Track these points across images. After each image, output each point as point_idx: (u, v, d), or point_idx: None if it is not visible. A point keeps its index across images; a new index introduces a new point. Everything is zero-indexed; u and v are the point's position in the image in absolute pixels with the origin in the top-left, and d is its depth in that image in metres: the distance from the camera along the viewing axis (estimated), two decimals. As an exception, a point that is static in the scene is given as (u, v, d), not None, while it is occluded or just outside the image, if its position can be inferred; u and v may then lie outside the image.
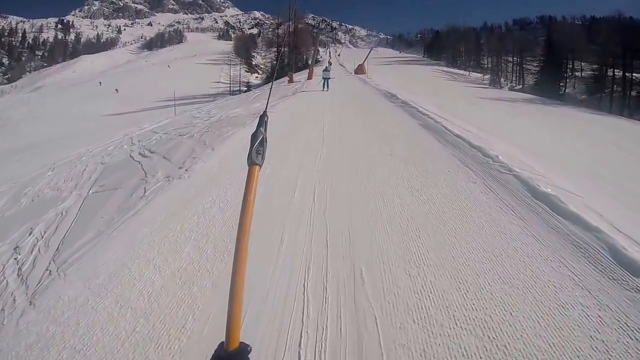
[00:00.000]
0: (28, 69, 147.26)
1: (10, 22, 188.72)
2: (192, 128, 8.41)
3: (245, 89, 49.43)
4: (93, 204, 4.05)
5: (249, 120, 7.91)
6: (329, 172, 4.09)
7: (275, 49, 53.68)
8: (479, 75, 55.68)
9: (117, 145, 8.22)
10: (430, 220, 2.77)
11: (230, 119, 8.79)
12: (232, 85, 54.56)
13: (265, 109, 0.98)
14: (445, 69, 57.14)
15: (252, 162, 0.82)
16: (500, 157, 4.08)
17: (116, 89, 52.52)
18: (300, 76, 25.40)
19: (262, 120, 0.91)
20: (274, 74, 23.00)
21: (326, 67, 16.97)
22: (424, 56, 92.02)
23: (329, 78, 15.37)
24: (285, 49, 51.23)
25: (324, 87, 15.01)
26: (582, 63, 45.27)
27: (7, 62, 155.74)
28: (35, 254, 3.00)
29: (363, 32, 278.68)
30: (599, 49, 38.64)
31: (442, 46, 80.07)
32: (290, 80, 21.47)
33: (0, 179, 8.64)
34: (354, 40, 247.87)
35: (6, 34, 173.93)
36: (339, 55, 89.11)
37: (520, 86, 49.03)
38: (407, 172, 3.96)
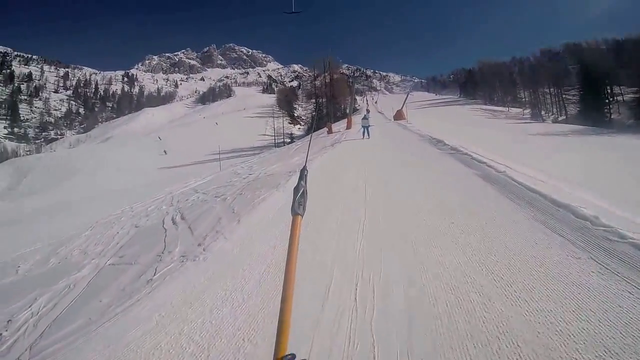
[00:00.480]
0: (100, 120, 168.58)
1: (85, 73, 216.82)
2: (229, 188, 8.35)
3: (289, 140, 51.29)
4: (102, 279, 3.88)
5: (283, 179, 7.61)
6: (374, 258, 3.14)
7: (314, 100, 56.13)
8: (519, 110, 53.63)
9: (157, 206, 8.44)
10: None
11: (266, 178, 8.59)
12: (276, 137, 57.04)
13: (305, 164, 1.15)
14: (483, 107, 55.94)
15: (295, 213, 0.96)
16: (600, 219, 3.22)
17: (159, 137, 57.46)
18: (339, 126, 25.74)
19: (303, 174, 1.07)
20: (312, 127, 23.44)
21: (365, 115, 17.17)
22: (460, 96, 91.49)
23: (369, 126, 15.57)
24: (323, 100, 53.33)
25: (364, 135, 15.12)
26: (621, 87, 42.59)
27: (83, 112, 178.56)
28: (20, 334, 2.77)
29: (397, 78, 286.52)
30: (633, 71, 36.27)
31: (477, 84, 79.45)
32: (330, 131, 21.71)
33: (50, 232, 9.89)
34: (389, 86, 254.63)
35: (82, 84, 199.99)
36: (375, 102, 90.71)
37: (564, 117, 46.27)
38: (479, 253, 2.92)
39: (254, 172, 10.81)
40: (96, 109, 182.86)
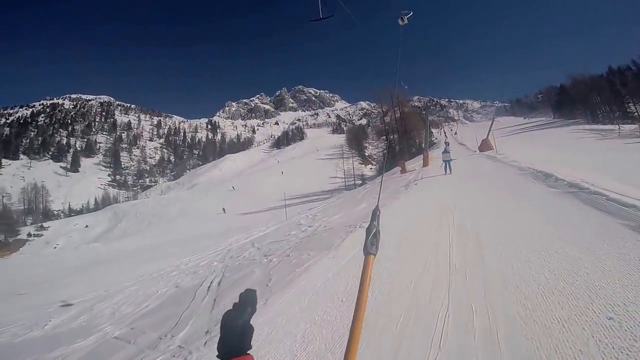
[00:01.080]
0: (188, 167, 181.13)
1: (175, 121, 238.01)
2: (283, 244, 7.78)
3: (360, 182, 50.01)
4: (93, 357, 4.00)
5: (339, 238, 6.39)
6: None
7: (384, 137, 54.18)
8: (633, 126, 44.15)
9: (210, 260, 8.70)
10: None
11: (322, 234, 7.48)
12: (347, 179, 56.22)
13: (377, 204, 1.19)
14: (586, 127, 47.56)
15: (367, 252, 0.99)
16: None
17: (232, 186, 60.94)
18: (414, 163, 23.74)
19: (375, 214, 1.11)
20: (383, 166, 21.75)
21: (445, 148, 16.23)
22: (553, 117, 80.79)
23: (450, 160, 14.58)
24: (395, 136, 51.23)
25: (446, 170, 14.17)
26: None
27: (173, 159, 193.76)
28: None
29: (477, 105, 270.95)
30: None
31: (573, 101, 69.02)
32: (403, 170, 19.84)
33: (114, 279, 10.48)
34: (468, 114, 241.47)
35: (172, 133, 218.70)
36: (455, 133, 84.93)
37: None
38: None
39: (315, 223, 9.95)
40: (184, 157, 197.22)
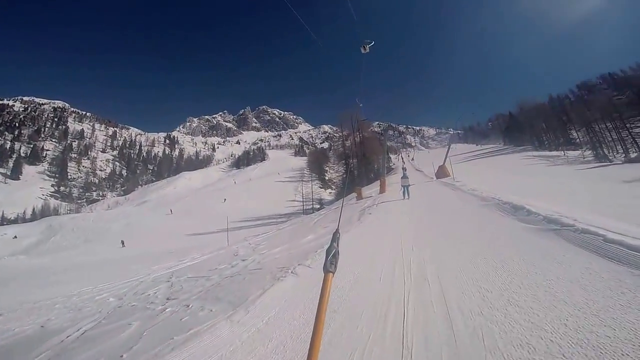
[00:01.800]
0: (140, 182, 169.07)
1: (131, 133, 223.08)
2: (198, 283, 6.24)
3: (318, 206, 48.59)
4: None
5: (259, 288, 4.64)
6: None
7: (349, 161, 53.45)
8: (576, 152, 47.36)
9: (106, 296, 7.43)
10: None
11: (247, 276, 5.95)
12: (305, 202, 54.53)
13: (338, 227, 1.34)
14: (534, 153, 50.36)
15: (327, 270, 1.12)
16: None
17: (171, 210, 57.71)
18: (371, 189, 22.68)
19: (335, 236, 1.25)
20: (344, 192, 20.36)
21: (403, 174, 16.71)
22: (504, 144, 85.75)
23: (409, 185, 14.90)
24: (354, 161, 50.86)
25: (404, 195, 14.35)
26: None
27: (125, 173, 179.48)
28: None
29: (432, 132, 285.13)
30: None
31: (521, 128, 73.44)
32: (359, 197, 18.52)
33: (43, 296, 9.31)
34: (424, 141, 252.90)
35: (127, 145, 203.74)
36: (412, 159, 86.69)
37: (635, 154, 39.16)
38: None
39: (251, 255, 8.34)
40: (138, 171, 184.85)
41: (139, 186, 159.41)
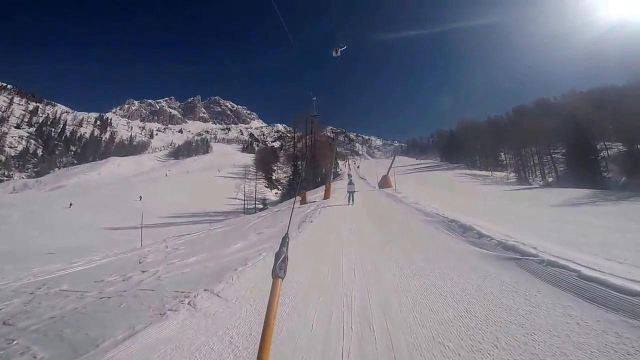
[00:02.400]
0: (58, 164, 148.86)
1: (57, 111, 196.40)
2: (70, 301, 4.45)
3: (261, 206, 46.77)
4: None
5: (122, 329, 3.11)
6: None
7: (298, 163, 52.00)
8: (502, 173, 51.77)
9: None
10: None
11: (130, 297, 4.14)
12: (247, 201, 52.13)
13: (287, 231, 1.32)
14: (467, 171, 54.09)
15: (275, 275, 1.10)
16: None
17: (140, 197, 51.83)
18: (316, 194, 21.91)
19: (285, 241, 1.24)
20: (295, 195, 19.04)
21: (350, 180, 17.25)
22: (441, 160, 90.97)
23: (354, 191, 15.29)
24: (303, 163, 50.00)
25: (349, 201, 14.78)
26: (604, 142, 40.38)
27: (41, 153, 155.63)
28: None
29: (379, 142, 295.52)
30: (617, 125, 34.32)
31: (459, 147, 78.29)
32: (303, 201, 17.58)
33: None
34: (370, 150, 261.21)
35: (49, 123, 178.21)
36: (358, 167, 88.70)
37: (552, 179, 43.74)
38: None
39: (156, 266, 6.65)
40: (57, 152, 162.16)
41: (56, 169, 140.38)
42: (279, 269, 1.10)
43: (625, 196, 14.52)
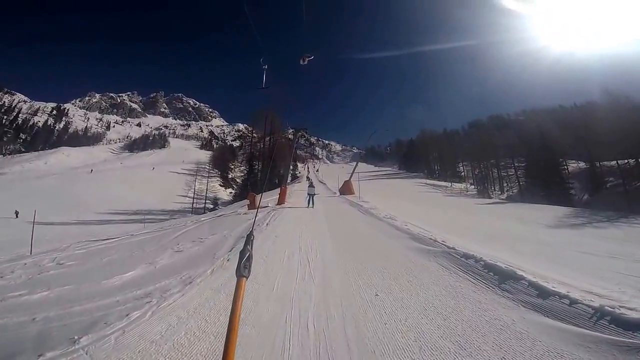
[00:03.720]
0: (4, 152, 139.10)
1: (14, 99, 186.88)
2: None
3: (212, 206, 42.63)
4: None
5: None
6: None
7: (255, 162, 47.71)
8: (461, 185, 52.16)
9: None
10: None
11: None
12: (197, 200, 47.46)
13: (252, 228, 1.31)
14: (427, 181, 53.93)
15: (240, 275, 1.04)
16: None
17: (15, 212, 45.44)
18: (270, 197, 18.99)
19: (249, 238, 1.18)
20: (261, 196, 15.84)
21: (310, 182, 17.13)
22: (399, 169, 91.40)
23: (314, 194, 15.11)
24: (260, 163, 46.51)
25: (309, 204, 14.57)
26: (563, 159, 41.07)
27: None
28: None
29: (338, 147, 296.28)
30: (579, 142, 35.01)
31: (419, 156, 78.79)
32: (251, 206, 14.52)
33: None
34: (330, 155, 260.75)
35: (2, 110, 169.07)
36: (317, 170, 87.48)
37: (511, 193, 44.25)
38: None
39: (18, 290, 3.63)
40: (5, 139, 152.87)
41: (1, 155, 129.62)
42: (243, 267, 1.04)
43: (615, 216, 13.31)
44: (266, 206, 14.39)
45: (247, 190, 37.22)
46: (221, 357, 0.83)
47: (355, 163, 33.06)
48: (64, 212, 33.44)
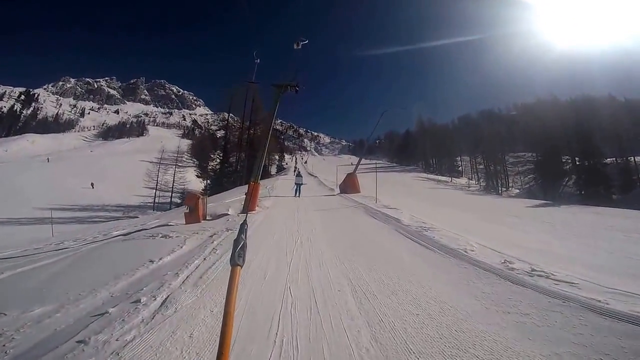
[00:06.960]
0: None
1: None
2: None
3: (179, 201, 36.63)
4: None
5: None
6: None
7: (238, 153, 41.41)
8: (463, 180, 47.82)
9: None
10: None
11: None
12: (163, 193, 41.24)
13: (246, 217, 1.28)
14: (425, 175, 49.28)
15: (234, 264, 1.02)
16: None
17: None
18: (233, 197, 13.49)
19: (243, 227, 1.18)
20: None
21: (298, 172, 18.79)
22: (393, 162, 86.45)
23: (302, 184, 15.09)
24: (242, 154, 40.76)
25: (296, 193, 14.39)
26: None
27: None
28: None
29: (327, 140, 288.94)
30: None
31: (414, 149, 74.12)
32: (192, 218, 8.54)
33: None
34: (319, 147, 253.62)
35: None
36: (305, 162, 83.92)
37: (517, 190, 40.75)
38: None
39: None
40: None
41: None
42: (238, 256, 1.03)
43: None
44: (226, 213, 8.77)
45: (222, 184, 31.52)
46: (217, 348, 0.82)
47: (360, 156, 27.73)
48: (16, 205, 28.59)
